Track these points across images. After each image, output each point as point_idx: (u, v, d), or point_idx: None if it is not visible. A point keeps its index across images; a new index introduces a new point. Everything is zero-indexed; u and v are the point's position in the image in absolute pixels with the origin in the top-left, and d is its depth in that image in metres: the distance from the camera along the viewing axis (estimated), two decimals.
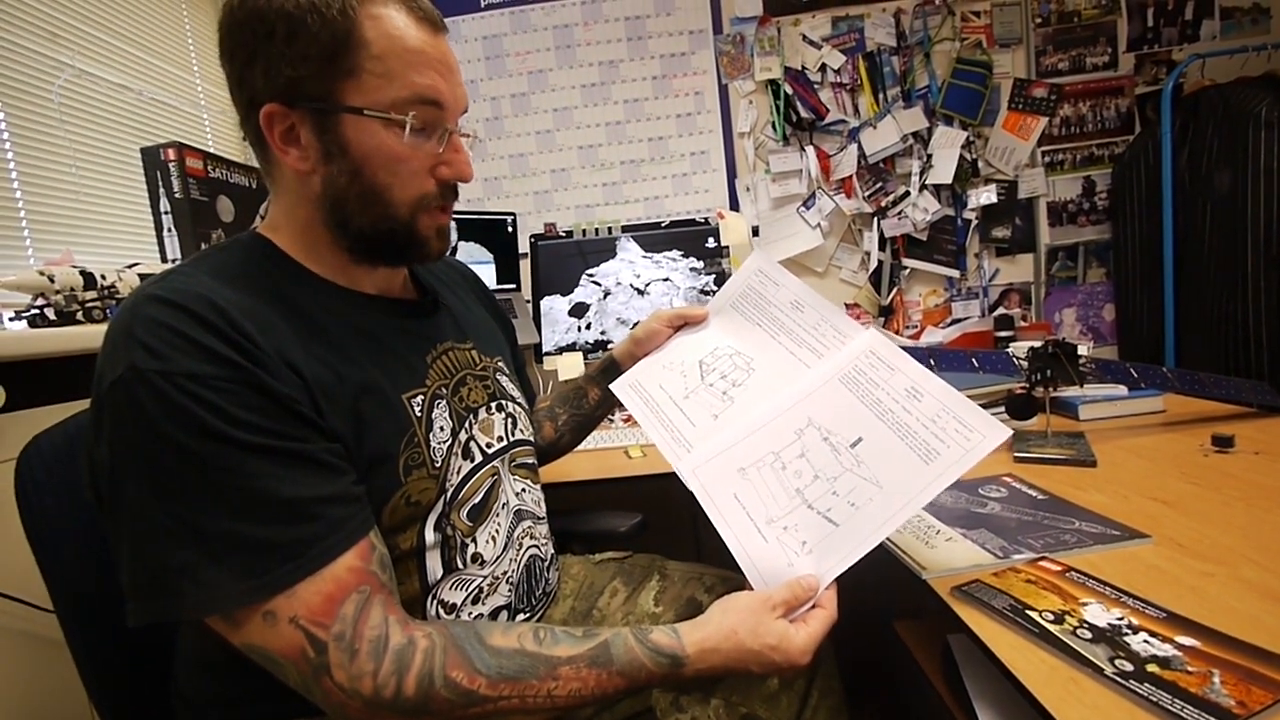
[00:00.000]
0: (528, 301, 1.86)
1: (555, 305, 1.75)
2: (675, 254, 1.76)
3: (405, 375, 0.65)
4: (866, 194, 2.05)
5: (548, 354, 1.73)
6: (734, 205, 2.11)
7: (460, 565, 0.65)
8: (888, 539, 0.62)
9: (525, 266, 1.89)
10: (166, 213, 1.27)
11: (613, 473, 1.26)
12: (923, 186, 2.02)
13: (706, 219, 1.80)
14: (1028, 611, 0.57)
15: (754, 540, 0.65)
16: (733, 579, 0.82)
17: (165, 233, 1.27)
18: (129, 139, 1.59)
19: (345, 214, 0.62)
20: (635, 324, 1.31)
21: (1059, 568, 0.65)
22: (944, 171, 2.00)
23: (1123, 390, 1.21)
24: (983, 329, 2.00)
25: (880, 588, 0.71)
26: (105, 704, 0.68)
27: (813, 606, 0.60)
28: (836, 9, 2.02)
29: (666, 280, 1.75)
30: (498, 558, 0.69)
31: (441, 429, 0.65)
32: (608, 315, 1.74)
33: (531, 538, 0.76)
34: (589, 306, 1.75)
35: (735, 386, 0.78)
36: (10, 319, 1.07)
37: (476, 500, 0.68)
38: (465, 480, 0.67)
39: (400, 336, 0.67)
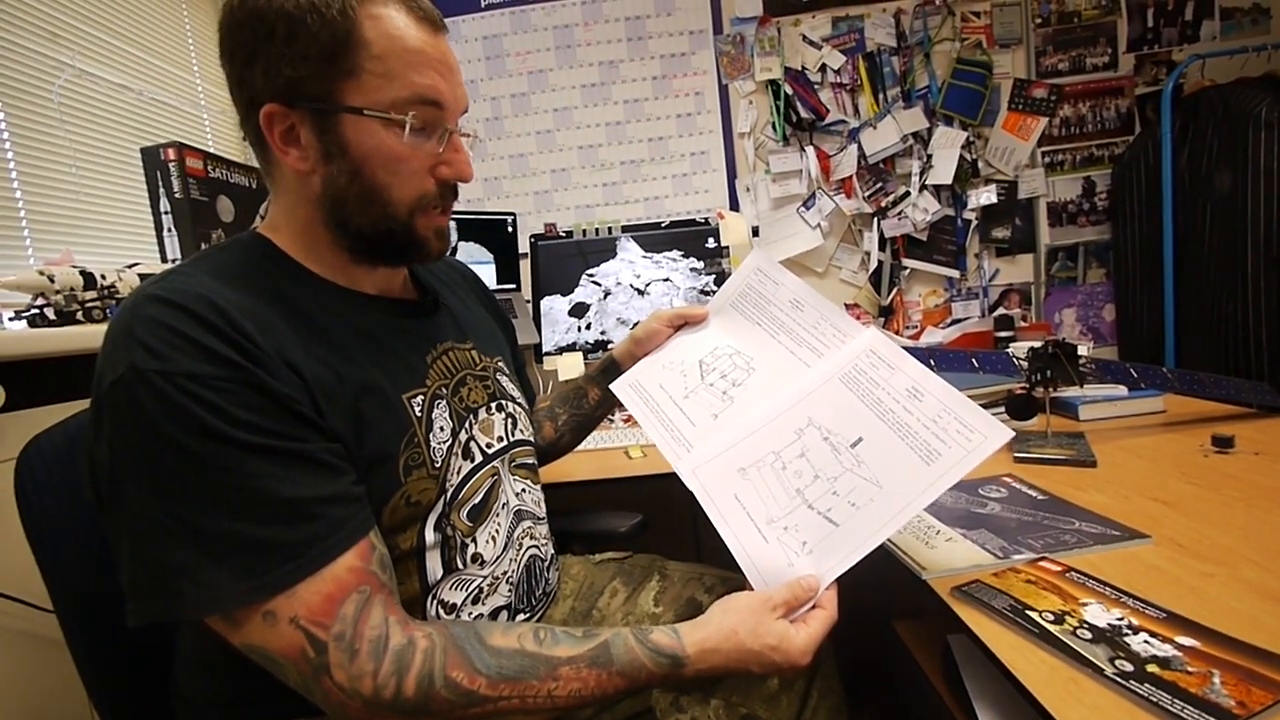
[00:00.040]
0: (528, 301, 1.86)
1: (555, 305, 1.75)
2: (675, 254, 1.76)
3: (405, 375, 0.65)
4: (866, 194, 2.05)
5: (548, 354, 1.73)
6: (734, 205, 2.11)
7: (460, 565, 0.65)
8: (888, 539, 0.62)
9: (525, 266, 1.89)
10: (166, 213, 1.27)
11: (613, 473, 1.26)
12: (923, 187, 2.03)
13: (706, 219, 1.80)
14: (1028, 612, 0.57)
15: (754, 540, 0.65)
16: (733, 579, 0.82)
17: (165, 233, 1.27)
18: (129, 139, 1.59)
19: (345, 214, 0.62)
20: (635, 324, 1.31)
21: (1059, 568, 0.65)
22: (944, 172, 2.00)
23: (1123, 390, 1.21)
24: (983, 329, 2.00)
25: (880, 588, 0.71)
26: (105, 704, 0.68)
27: (813, 607, 0.60)
28: (836, 9, 2.02)
29: (666, 280, 1.75)
30: (498, 558, 0.69)
31: (441, 429, 0.65)
32: (608, 315, 1.74)
33: (531, 538, 0.76)
34: (589, 306, 1.75)
35: (735, 386, 0.78)
36: (10, 319, 1.07)
37: (476, 500, 0.68)
38: (465, 480, 0.67)
39: (400, 336, 0.67)
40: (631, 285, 1.75)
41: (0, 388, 0.89)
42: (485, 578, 0.67)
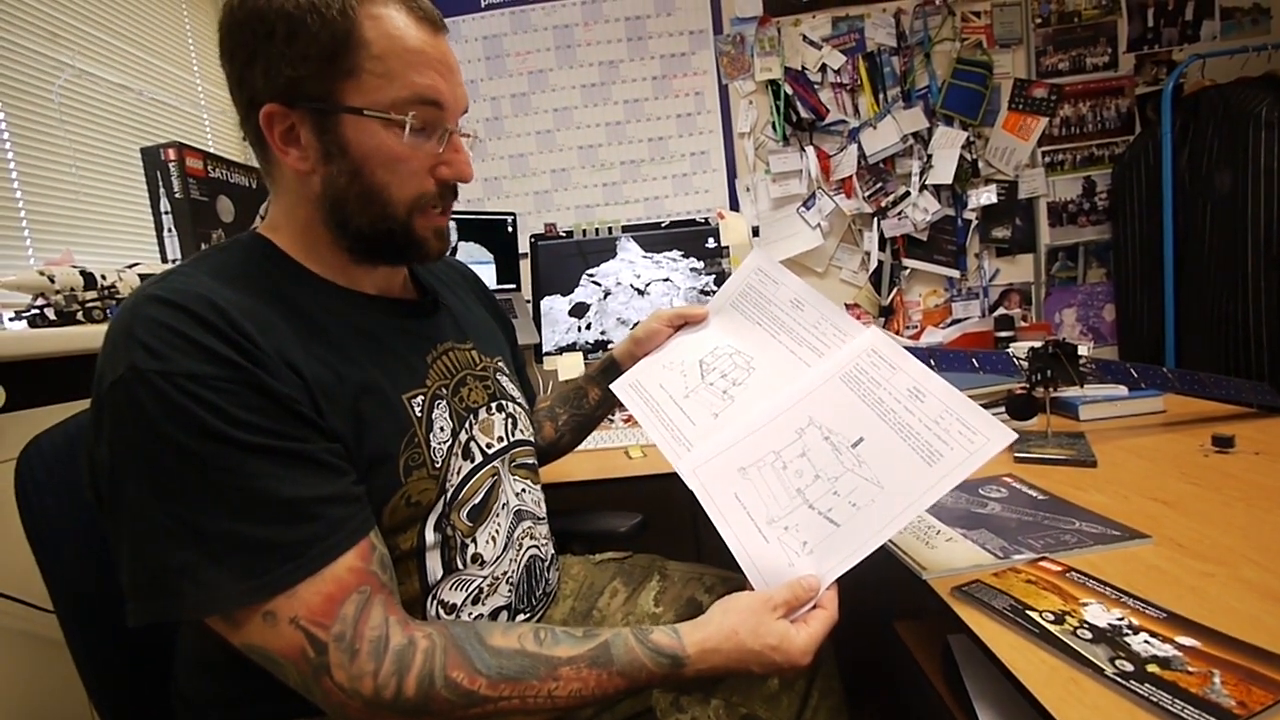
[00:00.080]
0: (528, 301, 1.86)
1: (555, 305, 1.75)
2: (675, 254, 1.76)
3: (405, 375, 0.65)
4: (866, 194, 2.05)
5: (548, 354, 1.73)
6: (734, 205, 2.11)
7: (460, 565, 0.65)
8: (888, 540, 0.62)
9: (525, 266, 1.89)
10: (166, 213, 1.27)
11: (613, 473, 1.26)
12: (923, 187, 2.03)
13: (706, 219, 1.80)
14: (1028, 612, 0.57)
15: (755, 540, 0.65)
16: (733, 579, 0.82)
17: (165, 233, 1.27)
18: (129, 139, 1.59)
19: (345, 214, 0.61)
20: (635, 324, 1.31)
21: (1059, 568, 0.65)
22: (944, 172, 2.00)
23: (1123, 390, 1.21)
24: (983, 329, 2.00)
25: (880, 588, 0.71)
26: (105, 704, 0.68)
27: (813, 607, 0.60)
28: (836, 9, 2.02)
29: (666, 280, 1.75)
30: (498, 558, 0.69)
31: (441, 429, 0.65)
32: (608, 315, 1.74)
33: (531, 538, 0.76)
34: (589, 306, 1.75)
35: (736, 385, 0.78)
36: (10, 319, 1.07)
37: (476, 500, 0.68)
38: (465, 480, 0.67)
39: (400, 336, 0.67)
40: (631, 285, 1.75)
41: (0, 388, 0.89)
42: (485, 578, 0.67)
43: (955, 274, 2.09)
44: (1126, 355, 2.06)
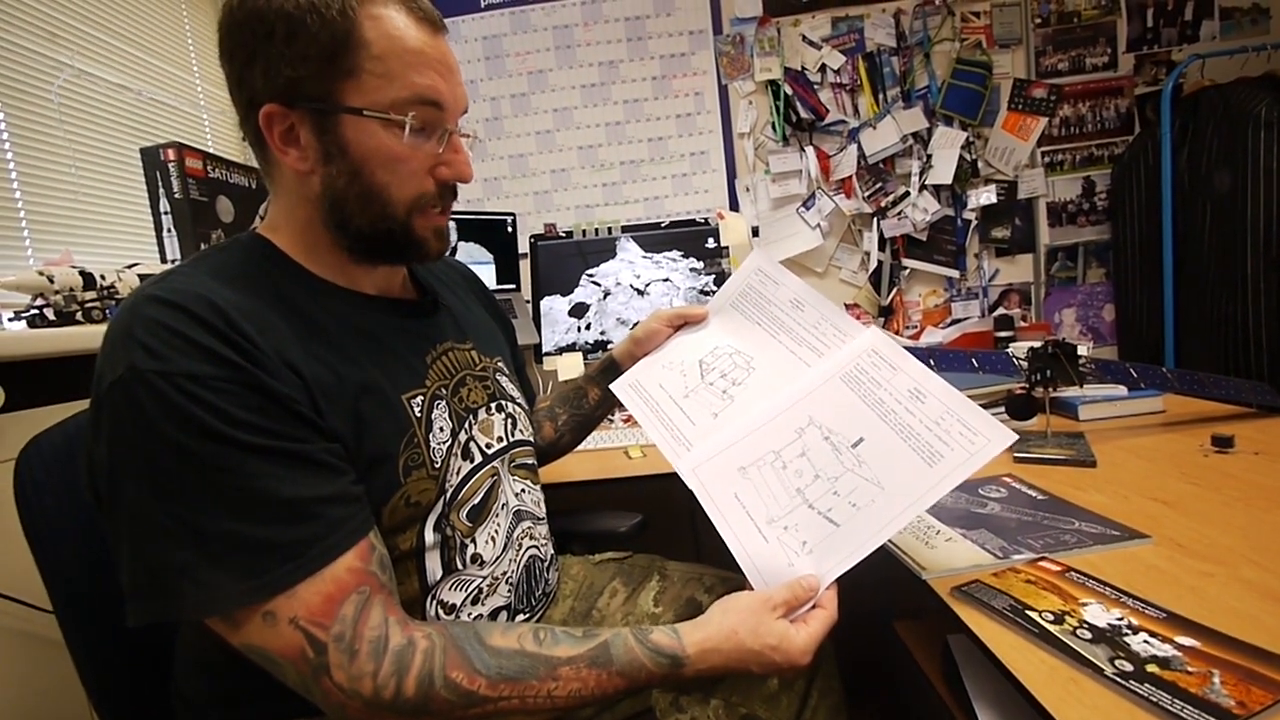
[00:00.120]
0: (528, 301, 1.86)
1: (555, 305, 1.75)
2: (675, 254, 1.76)
3: (405, 375, 0.65)
4: (866, 194, 2.05)
5: (548, 354, 1.73)
6: (734, 205, 2.11)
7: (460, 566, 0.65)
8: (888, 540, 0.62)
9: (525, 267, 1.89)
10: (166, 213, 1.27)
11: (613, 473, 1.26)
12: (922, 187, 2.03)
13: (706, 219, 1.80)
14: (1028, 612, 0.57)
15: (754, 540, 0.65)
16: (733, 579, 0.82)
17: (165, 233, 1.27)
18: (129, 139, 1.59)
19: (344, 214, 0.61)
20: (635, 324, 1.31)
21: (1059, 568, 0.65)
22: (944, 172, 2.00)
23: (1122, 390, 1.21)
24: (983, 329, 2.00)
25: (880, 588, 0.71)
26: (105, 704, 0.68)
27: (813, 607, 0.60)
28: (836, 9, 2.02)
29: (666, 280, 1.75)
30: (497, 558, 0.69)
31: (441, 429, 0.65)
32: (608, 315, 1.74)
33: (531, 538, 0.76)
34: (589, 307, 1.75)
35: (735, 385, 0.78)
36: (10, 319, 1.07)
37: (476, 501, 0.68)
38: (465, 481, 0.67)
39: (400, 336, 0.67)
40: (631, 285, 1.75)
41: (0, 388, 0.89)
42: (485, 578, 0.67)
43: (955, 274, 2.09)
44: (1126, 355, 2.06)
